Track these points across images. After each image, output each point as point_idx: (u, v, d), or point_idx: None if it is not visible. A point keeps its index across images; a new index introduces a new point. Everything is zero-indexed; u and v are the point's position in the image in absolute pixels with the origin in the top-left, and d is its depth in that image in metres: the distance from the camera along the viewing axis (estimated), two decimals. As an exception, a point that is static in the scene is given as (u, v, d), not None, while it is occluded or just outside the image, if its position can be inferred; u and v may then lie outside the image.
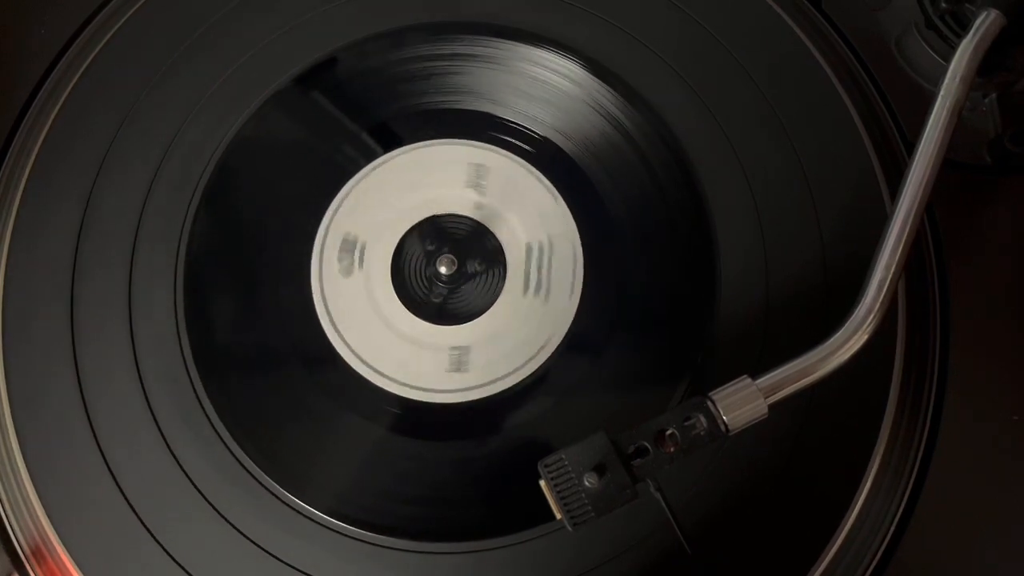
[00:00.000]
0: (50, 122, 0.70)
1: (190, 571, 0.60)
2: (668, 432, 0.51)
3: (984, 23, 0.65)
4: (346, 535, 0.61)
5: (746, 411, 0.52)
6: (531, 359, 0.66)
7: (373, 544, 0.61)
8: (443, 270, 0.67)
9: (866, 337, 0.54)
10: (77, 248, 0.67)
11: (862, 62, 0.75)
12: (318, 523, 0.62)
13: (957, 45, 0.65)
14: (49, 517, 0.62)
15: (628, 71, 0.72)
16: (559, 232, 0.69)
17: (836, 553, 0.62)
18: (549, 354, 0.67)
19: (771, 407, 0.52)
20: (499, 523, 0.61)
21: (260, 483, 0.62)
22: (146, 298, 0.66)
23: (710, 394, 0.52)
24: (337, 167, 0.71)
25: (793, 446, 0.63)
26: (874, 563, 0.62)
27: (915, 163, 0.60)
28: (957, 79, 0.63)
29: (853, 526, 0.62)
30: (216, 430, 0.63)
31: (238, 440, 0.63)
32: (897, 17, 0.75)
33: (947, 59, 0.64)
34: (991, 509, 0.64)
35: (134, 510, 0.61)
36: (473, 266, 0.69)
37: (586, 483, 0.49)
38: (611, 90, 0.72)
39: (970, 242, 0.69)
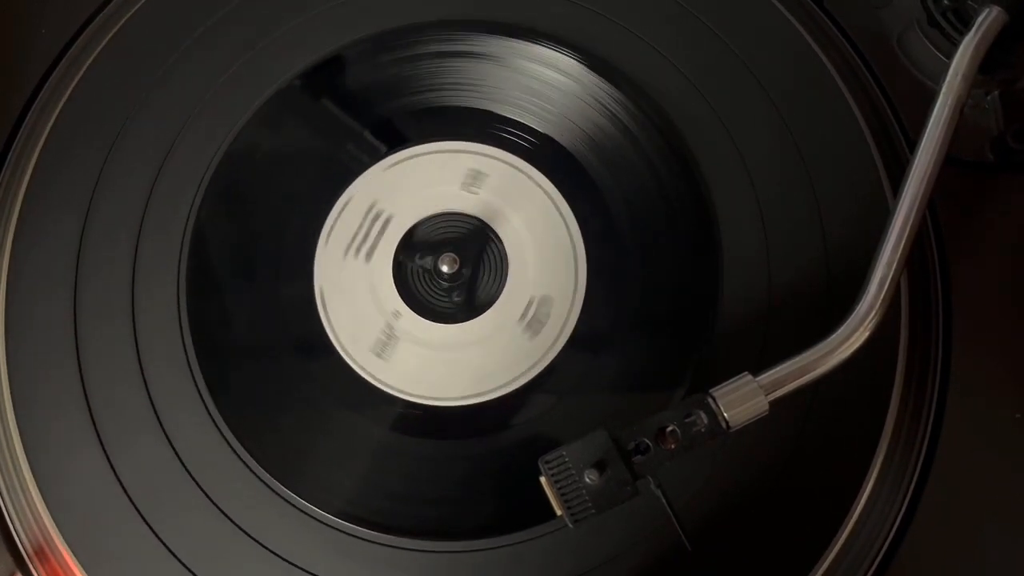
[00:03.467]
0: (52, 122, 0.70)
1: (194, 571, 0.60)
2: (669, 429, 0.51)
3: (986, 20, 0.65)
4: (349, 534, 0.61)
5: (747, 408, 0.51)
6: (533, 358, 0.66)
7: (375, 543, 0.61)
8: (445, 268, 0.67)
9: (868, 334, 0.54)
10: (80, 248, 0.67)
11: (864, 59, 0.74)
12: (323, 523, 0.61)
13: (959, 42, 0.65)
14: (52, 517, 0.62)
15: (630, 68, 0.72)
16: (560, 229, 0.69)
17: (839, 551, 0.62)
18: (552, 353, 0.67)
19: (772, 404, 0.52)
20: (499, 522, 0.61)
21: (266, 484, 0.62)
22: (149, 298, 0.66)
23: (711, 391, 0.52)
24: (340, 165, 0.71)
25: (795, 444, 0.63)
26: (877, 561, 0.62)
27: (917, 160, 0.60)
28: (959, 76, 0.62)
29: (856, 524, 0.62)
30: (221, 431, 0.63)
31: (244, 442, 0.63)
32: (899, 14, 0.75)
33: (949, 56, 0.64)
34: (995, 507, 0.64)
35: (138, 510, 0.61)
36: (476, 264, 0.69)
37: (587, 480, 0.49)
38: (613, 87, 0.72)
39: (972, 239, 0.69)
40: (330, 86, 0.73)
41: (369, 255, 0.69)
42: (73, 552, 0.61)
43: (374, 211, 0.70)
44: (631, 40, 0.73)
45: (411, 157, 0.71)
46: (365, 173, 0.71)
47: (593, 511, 0.49)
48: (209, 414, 0.63)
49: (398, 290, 0.68)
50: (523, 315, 0.67)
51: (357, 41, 0.73)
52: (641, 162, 0.70)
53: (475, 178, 0.71)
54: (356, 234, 0.69)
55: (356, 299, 0.68)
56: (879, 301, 0.55)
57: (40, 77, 0.73)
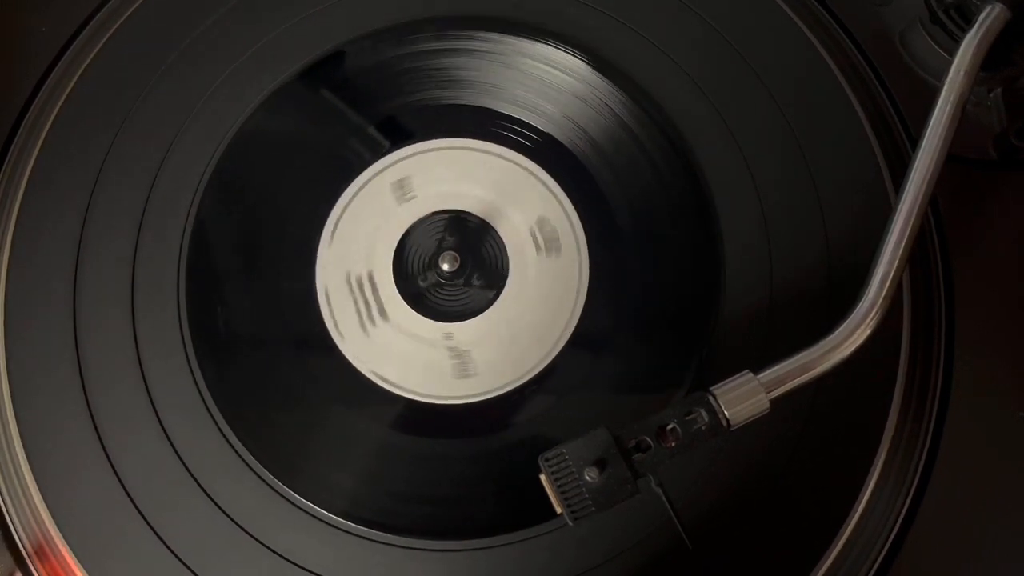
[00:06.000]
0: (51, 120, 0.70)
1: (194, 569, 0.60)
2: (669, 427, 0.51)
3: (988, 17, 0.65)
4: (349, 532, 0.61)
5: (748, 406, 0.51)
6: (535, 357, 0.66)
7: (375, 541, 0.61)
8: (445, 267, 0.67)
9: (869, 332, 0.54)
10: (79, 246, 0.67)
11: (866, 57, 0.74)
12: (323, 521, 0.62)
13: (961, 39, 0.64)
14: (52, 515, 0.62)
15: (631, 66, 0.72)
16: (562, 228, 0.69)
17: (841, 550, 0.62)
18: (553, 352, 0.66)
19: (773, 402, 0.52)
20: (498, 521, 0.61)
21: (267, 483, 0.62)
22: (149, 296, 0.66)
23: (712, 389, 0.52)
24: (342, 161, 0.71)
25: (796, 443, 0.63)
26: (879, 560, 0.62)
27: (919, 158, 0.60)
28: (961, 73, 0.62)
29: (858, 523, 0.62)
30: (220, 429, 0.63)
31: (244, 440, 0.63)
32: (901, 12, 0.75)
33: (951, 54, 0.64)
34: (997, 506, 0.63)
35: (138, 509, 0.61)
36: (476, 262, 0.69)
37: (587, 477, 0.49)
38: (615, 86, 0.72)
39: (974, 237, 0.69)
40: (331, 83, 0.73)
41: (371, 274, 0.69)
42: (73, 551, 0.61)
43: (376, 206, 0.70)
44: (633, 38, 0.73)
45: (412, 155, 0.71)
46: (367, 170, 0.71)
47: (593, 509, 0.49)
48: (209, 412, 0.63)
49: (397, 286, 0.68)
50: (526, 313, 0.67)
51: (359, 37, 0.73)
52: (642, 159, 0.70)
53: (480, 172, 0.71)
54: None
55: (357, 297, 0.68)
56: (881, 299, 0.55)
57: (40, 76, 0.73)
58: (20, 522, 0.62)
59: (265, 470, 0.62)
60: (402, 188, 0.70)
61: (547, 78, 0.73)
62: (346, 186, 0.70)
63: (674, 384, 0.65)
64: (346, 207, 0.70)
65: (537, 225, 0.69)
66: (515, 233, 0.69)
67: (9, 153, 0.70)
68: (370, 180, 0.70)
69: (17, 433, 0.63)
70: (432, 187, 0.70)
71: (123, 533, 0.61)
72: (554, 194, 0.70)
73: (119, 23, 0.73)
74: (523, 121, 0.72)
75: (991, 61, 0.65)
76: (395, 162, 0.71)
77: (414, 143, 0.71)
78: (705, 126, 0.70)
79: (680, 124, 0.71)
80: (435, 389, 0.66)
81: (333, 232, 0.69)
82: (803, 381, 0.53)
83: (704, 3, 0.74)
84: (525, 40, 0.73)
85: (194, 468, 0.62)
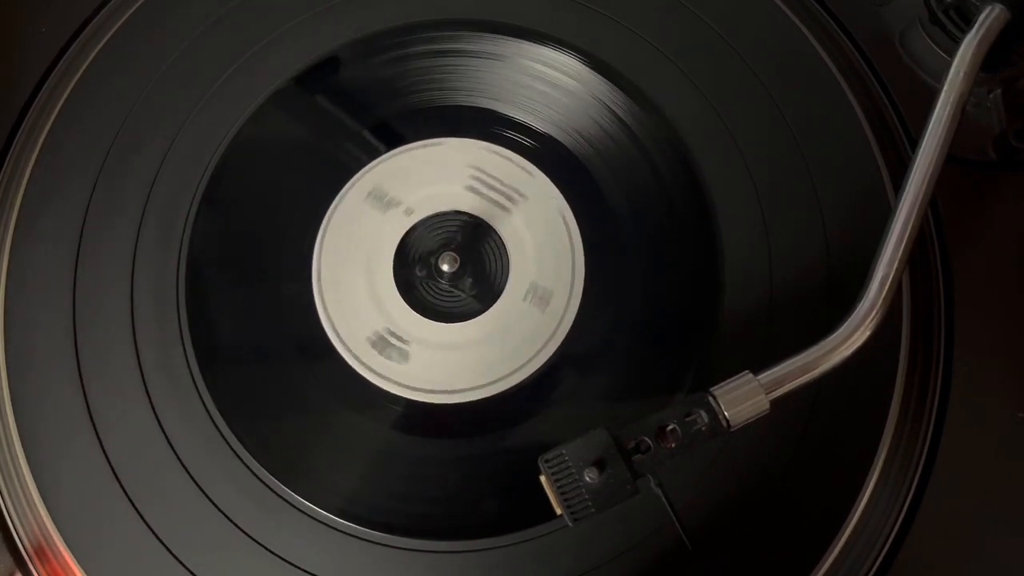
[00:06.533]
0: (51, 122, 0.70)
1: (194, 571, 0.60)
2: (669, 428, 0.51)
3: (988, 18, 0.65)
4: (349, 533, 0.61)
5: (747, 407, 0.51)
6: (534, 357, 0.66)
7: (374, 542, 0.61)
8: (445, 268, 0.67)
9: (869, 333, 0.54)
10: (79, 247, 0.67)
11: (866, 58, 0.74)
12: (323, 523, 0.61)
13: (961, 40, 0.64)
14: (52, 516, 0.61)
15: (631, 67, 0.72)
16: (561, 228, 0.69)
17: (840, 551, 0.61)
18: (552, 352, 0.66)
19: (773, 403, 0.52)
20: (499, 521, 0.61)
21: (266, 484, 0.62)
22: (148, 298, 0.66)
23: (711, 389, 0.52)
24: (340, 165, 0.71)
25: (796, 443, 0.63)
26: (879, 561, 0.62)
27: (918, 158, 0.60)
28: (961, 74, 0.62)
29: (858, 524, 0.62)
30: (219, 430, 0.63)
31: (243, 441, 0.63)
32: (901, 12, 0.75)
33: (951, 54, 0.64)
34: (997, 507, 0.63)
35: (137, 510, 0.61)
36: (475, 264, 0.69)
37: (586, 478, 0.49)
38: (614, 87, 0.72)
39: (974, 238, 0.69)
40: (328, 86, 0.73)
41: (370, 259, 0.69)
42: (73, 551, 0.61)
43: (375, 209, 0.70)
44: (632, 39, 0.73)
45: (412, 151, 0.71)
46: (364, 171, 0.71)
47: (593, 510, 0.49)
48: (209, 414, 0.63)
49: (397, 286, 0.68)
50: (525, 313, 0.67)
51: (357, 40, 0.73)
52: (642, 160, 0.70)
53: (480, 173, 0.71)
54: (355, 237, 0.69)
55: (355, 299, 0.68)
56: (880, 300, 0.55)
57: (40, 76, 0.73)
58: (20, 522, 0.62)
59: (264, 471, 0.62)
60: (401, 190, 0.70)
61: (547, 79, 0.73)
62: (343, 189, 0.70)
63: (674, 384, 0.65)
64: (345, 209, 0.70)
65: (536, 224, 0.69)
66: (514, 233, 0.69)
67: (9, 153, 0.70)
68: (368, 182, 0.71)
69: (17, 433, 0.63)
70: (432, 188, 0.70)
71: (122, 533, 0.61)
72: (553, 194, 0.70)
73: (119, 23, 0.73)
74: (521, 122, 0.72)
75: (991, 62, 0.65)
76: (393, 164, 0.71)
77: (413, 145, 0.71)
78: (704, 127, 0.70)
79: (679, 125, 0.71)
80: (434, 391, 0.66)
81: (328, 222, 0.69)
82: (803, 382, 0.53)
83: (703, 4, 0.74)
84: (525, 42, 0.73)
85: (193, 469, 0.62)
